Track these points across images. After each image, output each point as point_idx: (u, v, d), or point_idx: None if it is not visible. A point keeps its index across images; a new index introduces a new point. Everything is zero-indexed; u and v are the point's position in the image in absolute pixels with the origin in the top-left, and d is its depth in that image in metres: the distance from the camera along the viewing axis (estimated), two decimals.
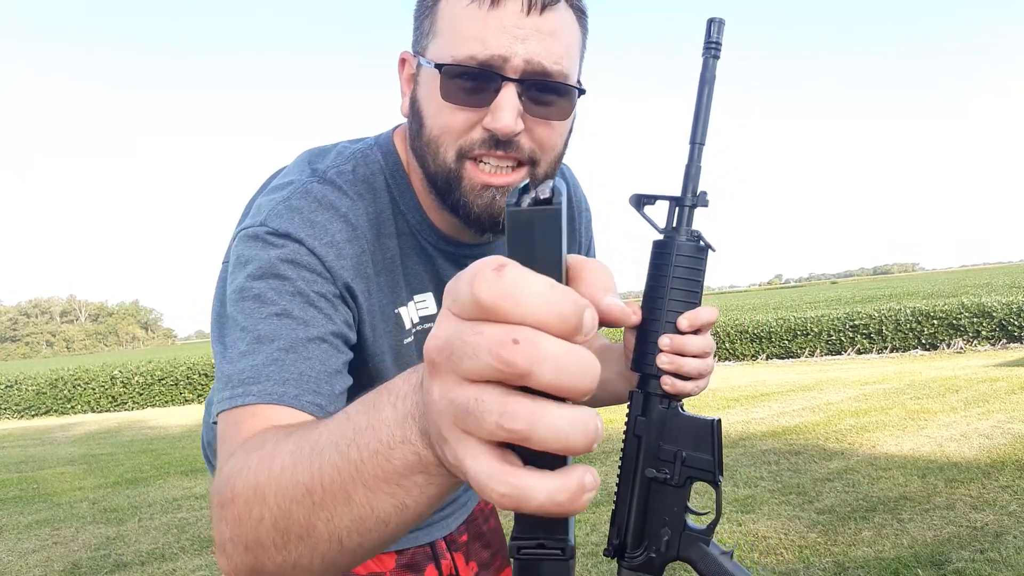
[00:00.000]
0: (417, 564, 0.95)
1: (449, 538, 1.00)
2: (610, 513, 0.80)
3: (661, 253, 0.78)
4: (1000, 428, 5.52)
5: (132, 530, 4.73)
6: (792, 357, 13.34)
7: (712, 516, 0.78)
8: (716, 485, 0.77)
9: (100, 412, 14.46)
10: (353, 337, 0.76)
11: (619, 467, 0.80)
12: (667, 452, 0.78)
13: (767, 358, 13.58)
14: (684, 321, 0.76)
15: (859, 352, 12.82)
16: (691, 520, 0.79)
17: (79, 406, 14.63)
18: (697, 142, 0.79)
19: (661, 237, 0.79)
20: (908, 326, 12.46)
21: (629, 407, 0.81)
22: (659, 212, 0.81)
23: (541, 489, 0.32)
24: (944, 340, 12.13)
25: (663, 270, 0.78)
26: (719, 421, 0.78)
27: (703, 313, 0.77)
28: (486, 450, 0.34)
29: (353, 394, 0.64)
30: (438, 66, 0.71)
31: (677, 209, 0.79)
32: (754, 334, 13.85)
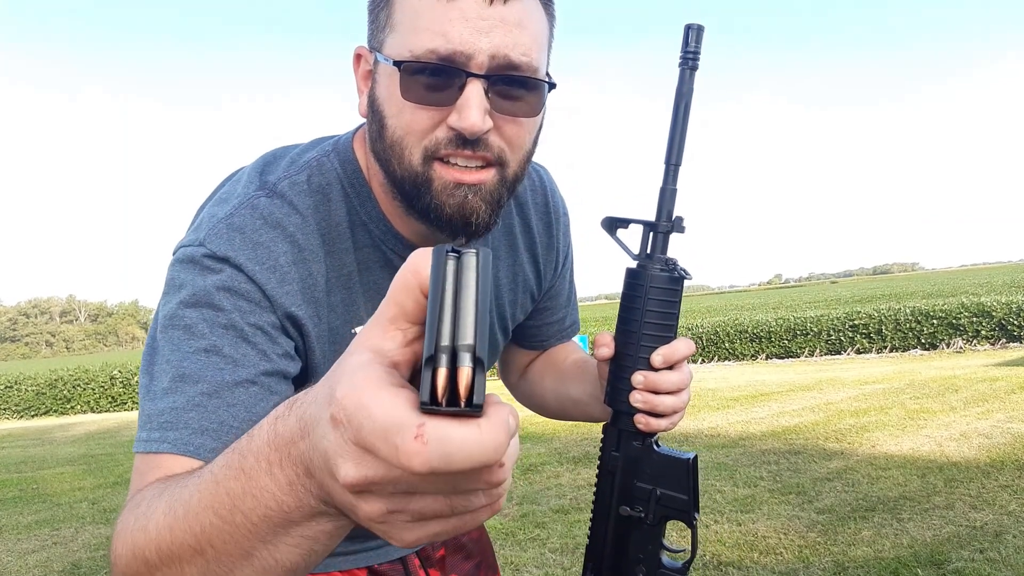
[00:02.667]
0: None
1: (423, 554, 0.95)
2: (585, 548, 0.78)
3: (634, 284, 0.74)
4: (1000, 428, 5.52)
5: None
6: (792, 357, 13.33)
7: (688, 555, 0.75)
8: (692, 524, 0.74)
9: (100, 412, 14.45)
10: (294, 368, 0.71)
11: (593, 503, 0.78)
12: (641, 490, 0.75)
13: (767, 358, 13.57)
14: (658, 358, 0.73)
15: (859, 352, 12.81)
16: (666, 558, 0.76)
17: (79, 406, 14.62)
18: (673, 163, 0.74)
19: (634, 264, 0.75)
20: (908, 326, 12.46)
21: (603, 443, 0.78)
22: (633, 236, 0.76)
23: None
24: (944, 340, 12.12)
25: (636, 302, 0.74)
26: (695, 459, 0.74)
27: (678, 348, 0.74)
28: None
29: None
30: (397, 63, 0.65)
31: (651, 235, 0.75)
32: (754, 334, 13.85)
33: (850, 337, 12.94)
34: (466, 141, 0.66)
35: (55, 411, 14.60)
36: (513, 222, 0.89)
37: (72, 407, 14.62)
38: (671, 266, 0.74)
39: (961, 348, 11.84)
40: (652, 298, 0.73)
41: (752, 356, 13.72)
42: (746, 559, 3.31)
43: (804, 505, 4.01)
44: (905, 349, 12.39)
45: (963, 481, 4.18)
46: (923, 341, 12.30)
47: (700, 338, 14.27)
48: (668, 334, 0.75)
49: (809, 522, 3.73)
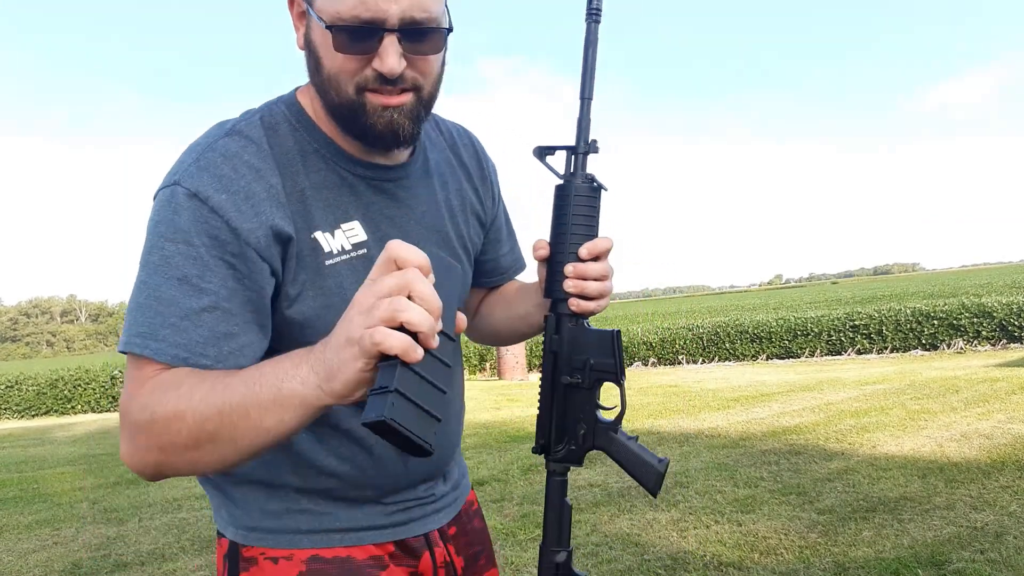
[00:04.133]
0: (414, 550, 1.02)
1: (441, 530, 1.07)
2: (542, 428, 0.97)
3: (562, 195, 0.93)
4: (1000, 428, 5.52)
5: (132, 530, 4.73)
6: (792, 357, 13.33)
7: (619, 410, 0.93)
8: (619, 383, 0.92)
9: (100, 412, 14.45)
10: (263, 284, 0.85)
11: (539, 380, 0.96)
12: (578, 361, 0.93)
13: (767, 358, 13.57)
14: (584, 251, 0.92)
15: (859, 352, 12.81)
16: (602, 415, 0.95)
17: (79, 406, 14.62)
18: (586, 97, 0.93)
19: (561, 182, 0.94)
20: (908, 326, 12.45)
21: (545, 330, 0.95)
22: (558, 161, 0.96)
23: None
24: (944, 340, 12.12)
25: (564, 209, 0.92)
26: (619, 332, 0.92)
27: (600, 243, 0.92)
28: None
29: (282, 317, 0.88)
30: (329, 27, 0.81)
31: (573, 157, 0.94)
32: (754, 334, 13.84)
33: (851, 337, 12.94)
34: (386, 80, 0.83)
35: (56, 411, 14.60)
36: (449, 156, 1.08)
37: (73, 407, 14.62)
38: (590, 179, 0.93)
39: (962, 349, 11.84)
40: (577, 204, 0.92)
41: (752, 356, 13.72)
42: (746, 559, 3.30)
43: (805, 505, 4.01)
44: (906, 350, 12.39)
45: (964, 482, 4.18)
46: (924, 342, 12.29)
47: (700, 338, 14.27)
48: (592, 233, 0.93)
49: (810, 522, 3.73)
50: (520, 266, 1.22)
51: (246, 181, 0.84)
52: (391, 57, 0.81)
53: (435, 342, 0.66)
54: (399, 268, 0.66)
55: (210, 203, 0.81)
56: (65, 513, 5.39)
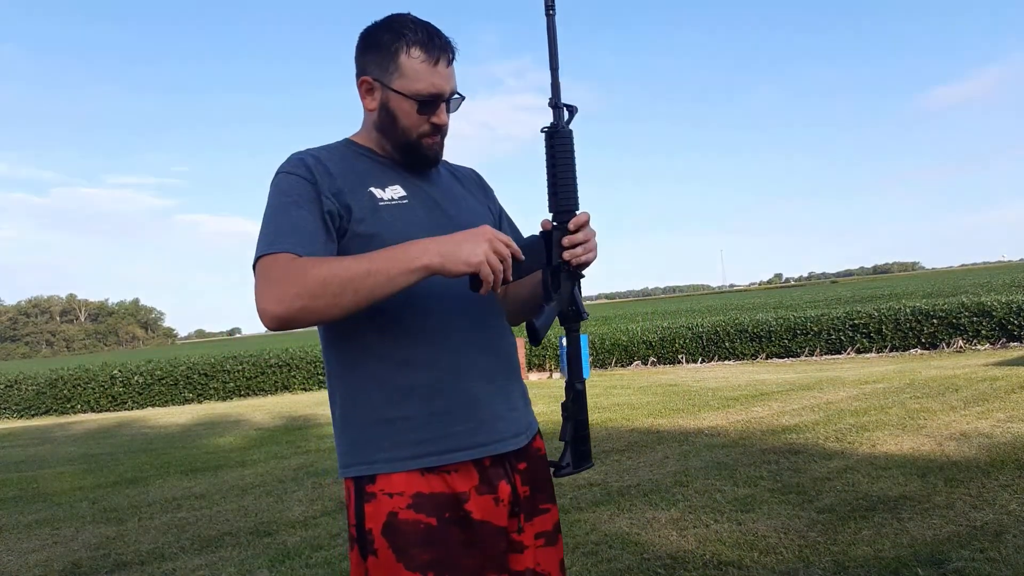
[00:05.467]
0: (491, 482, 1.31)
1: (511, 462, 1.35)
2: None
3: (553, 137, 1.30)
4: (1000, 427, 5.53)
5: (132, 530, 4.73)
6: (792, 356, 13.34)
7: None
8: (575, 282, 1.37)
9: (100, 412, 14.46)
10: (336, 211, 1.26)
11: (544, 288, 1.31)
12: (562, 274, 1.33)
13: (767, 357, 13.58)
14: (572, 224, 1.29)
15: (859, 351, 12.82)
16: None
17: (79, 406, 14.63)
18: (555, 67, 1.29)
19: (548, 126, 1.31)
20: (908, 325, 12.46)
21: (552, 276, 1.31)
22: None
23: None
24: (944, 339, 12.13)
25: (555, 149, 1.29)
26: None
27: (582, 217, 1.29)
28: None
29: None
30: (413, 96, 1.30)
31: (555, 110, 1.31)
32: (754, 333, 13.85)
33: (850, 336, 12.95)
34: (438, 129, 1.34)
35: (55, 410, 14.61)
36: (463, 180, 1.52)
37: (72, 406, 14.62)
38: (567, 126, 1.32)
39: (961, 348, 11.84)
40: (565, 144, 1.30)
41: (752, 356, 13.73)
42: (746, 558, 3.30)
43: (804, 504, 4.01)
44: (905, 348, 12.39)
45: (963, 481, 4.18)
46: (923, 340, 12.30)
47: (700, 337, 14.28)
48: (572, 181, 1.31)
49: (809, 521, 3.73)
50: None
51: (315, 168, 1.29)
52: (445, 116, 1.34)
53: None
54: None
55: (299, 173, 1.28)
56: (65, 513, 5.39)
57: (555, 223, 1.29)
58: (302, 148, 1.37)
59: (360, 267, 1.13)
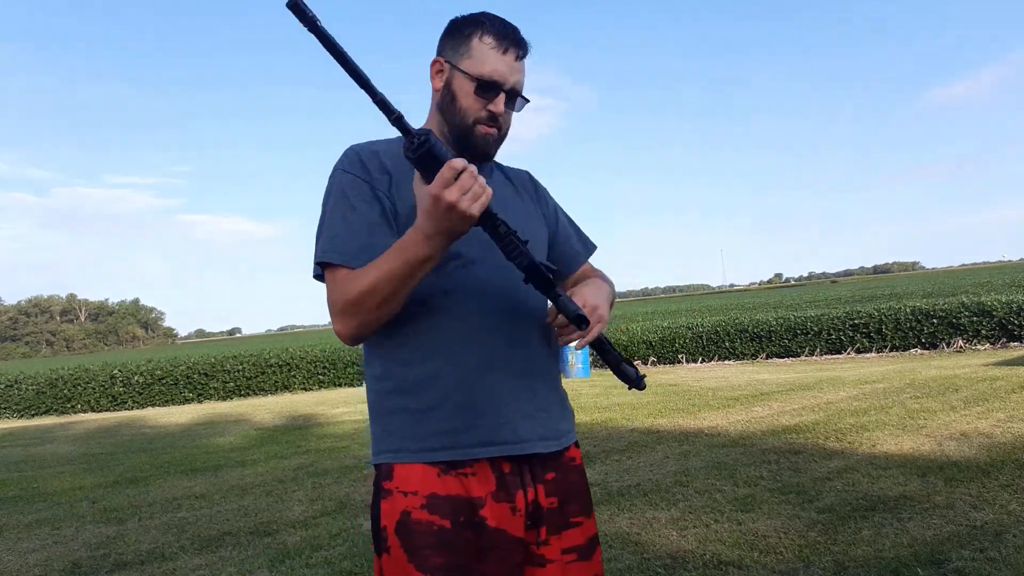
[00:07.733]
0: (508, 490, 1.28)
1: (535, 471, 1.32)
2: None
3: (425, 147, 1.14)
4: (1000, 427, 5.52)
5: (132, 530, 4.73)
6: (792, 356, 13.33)
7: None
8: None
9: (100, 411, 14.45)
10: (391, 209, 1.30)
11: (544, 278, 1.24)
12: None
13: (767, 357, 13.57)
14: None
15: (859, 351, 12.81)
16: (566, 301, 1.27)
17: (79, 405, 14.61)
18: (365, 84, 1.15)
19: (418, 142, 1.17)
20: (908, 325, 12.45)
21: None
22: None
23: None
24: (944, 339, 12.12)
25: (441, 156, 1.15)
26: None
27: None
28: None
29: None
30: (475, 78, 1.32)
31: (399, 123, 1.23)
32: (754, 333, 13.84)
33: (850, 336, 12.94)
34: (494, 118, 1.35)
35: (55, 410, 14.60)
36: (516, 183, 1.53)
37: (72, 406, 14.61)
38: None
39: (961, 347, 11.83)
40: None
41: (752, 355, 13.72)
42: (746, 558, 3.30)
43: (804, 504, 4.01)
44: (905, 348, 12.39)
45: (963, 480, 4.18)
46: (923, 340, 12.29)
47: (700, 337, 14.27)
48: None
49: (809, 521, 3.73)
50: (591, 246, 1.59)
51: (368, 161, 1.33)
52: (502, 105, 1.34)
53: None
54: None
55: (355, 172, 1.32)
56: (65, 512, 5.39)
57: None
58: (359, 141, 1.40)
59: (382, 271, 1.17)
